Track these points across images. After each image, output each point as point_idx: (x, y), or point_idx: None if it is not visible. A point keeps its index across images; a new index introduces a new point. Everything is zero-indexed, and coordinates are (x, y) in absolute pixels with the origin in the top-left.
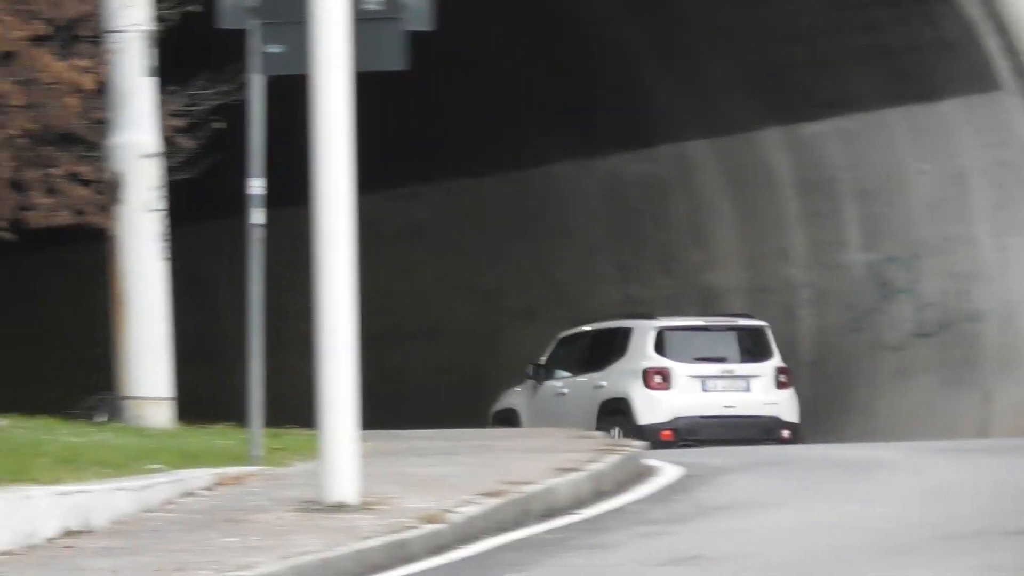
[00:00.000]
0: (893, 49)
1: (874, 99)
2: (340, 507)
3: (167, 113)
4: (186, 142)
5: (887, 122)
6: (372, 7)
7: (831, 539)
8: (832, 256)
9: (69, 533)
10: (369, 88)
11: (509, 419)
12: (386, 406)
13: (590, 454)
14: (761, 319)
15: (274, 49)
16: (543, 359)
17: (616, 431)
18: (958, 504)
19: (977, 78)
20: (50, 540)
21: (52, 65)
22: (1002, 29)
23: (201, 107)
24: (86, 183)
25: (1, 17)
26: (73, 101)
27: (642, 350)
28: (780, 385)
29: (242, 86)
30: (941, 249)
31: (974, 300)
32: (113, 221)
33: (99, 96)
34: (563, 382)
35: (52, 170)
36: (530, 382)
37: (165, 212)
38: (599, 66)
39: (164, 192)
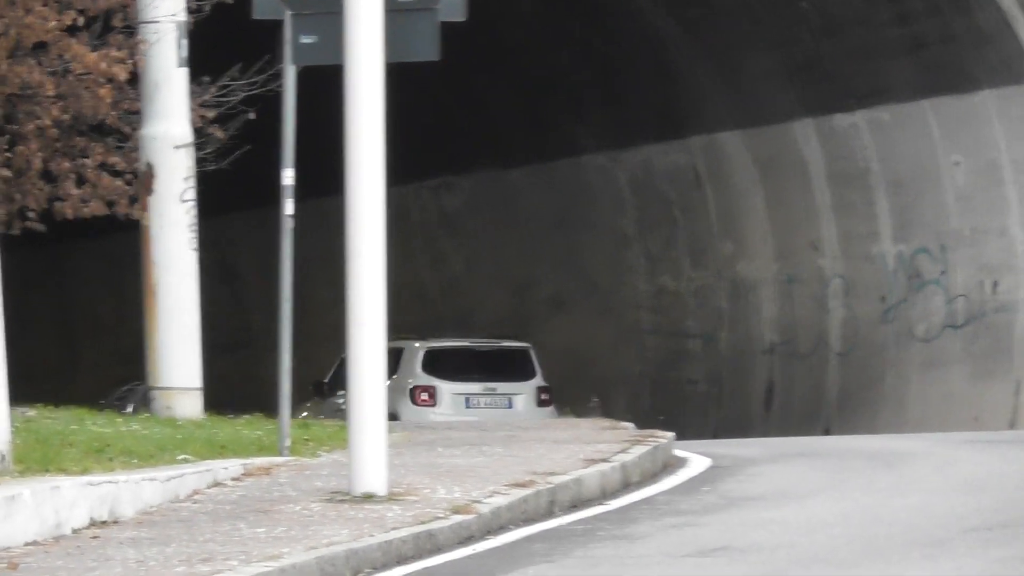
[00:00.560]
0: (926, 40)
1: (907, 90)
2: (368, 498)
3: (199, 104)
4: (218, 133)
5: (920, 113)
6: None
7: (859, 530)
8: (863, 247)
9: (97, 523)
10: (401, 79)
11: None
12: None
13: (619, 445)
14: (525, 341)
15: (307, 39)
16: (327, 378)
17: None
18: (986, 496)
19: (1010, 69)
20: (78, 531)
21: (85, 56)
22: None
23: (233, 98)
24: (117, 174)
25: (34, 7)
26: (105, 92)
27: (411, 369)
28: (541, 403)
29: (275, 77)
30: (972, 240)
31: (1004, 292)
32: (144, 212)
33: (131, 87)
34: (343, 399)
35: (83, 161)
36: (315, 399)
37: (196, 203)
38: (631, 56)
39: (195, 183)
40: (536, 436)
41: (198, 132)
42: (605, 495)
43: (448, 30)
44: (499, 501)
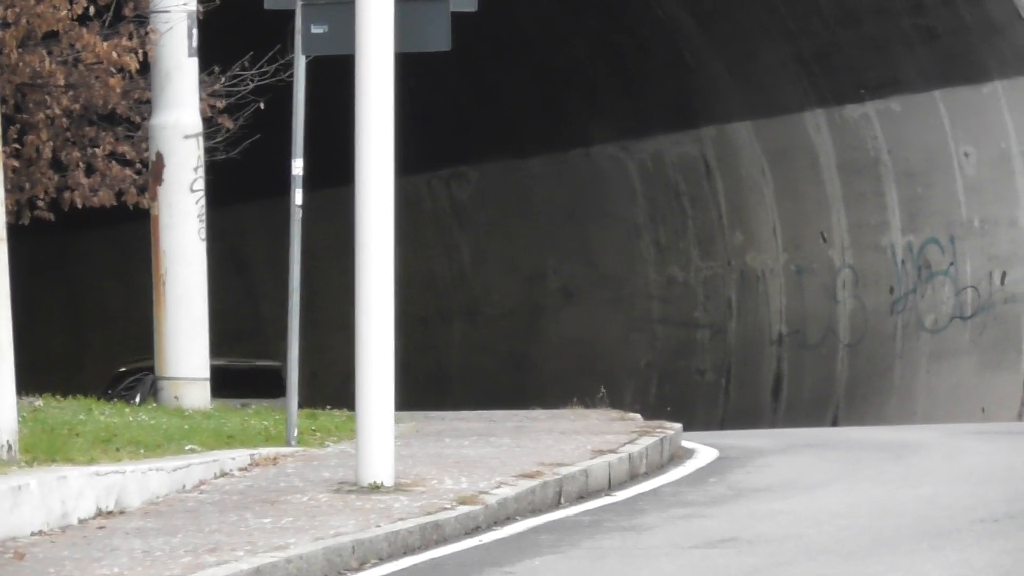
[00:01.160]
0: (938, 31)
1: (918, 81)
2: (375, 488)
3: (209, 93)
4: (228, 123)
5: (931, 104)
6: None
7: (867, 521)
8: (873, 238)
9: (103, 514)
10: (413, 68)
11: None
12: (427, 387)
13: (626, 436)
14: (277, 360)
15: (318, 29)
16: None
17: None
18: (994, 487)
19: (1021, 60)
20: (84, 521)
21: (96, 45)
22: None
23: (243, 88)
24: (127, 163)
25: None
26: (116, 81)
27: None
28: None
29: (285, 67)
30: (981, 231)
31: (1013, 283)
32: (153, 201)
33: (142, 76)
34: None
35: (93, 150)
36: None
37: (205, 192)
38: (644, 46)
39: (205, 172)
40: (544, 427)
41: (208, 122)
42: (612, 486)
43: (460, 20)
44: (506, 492)
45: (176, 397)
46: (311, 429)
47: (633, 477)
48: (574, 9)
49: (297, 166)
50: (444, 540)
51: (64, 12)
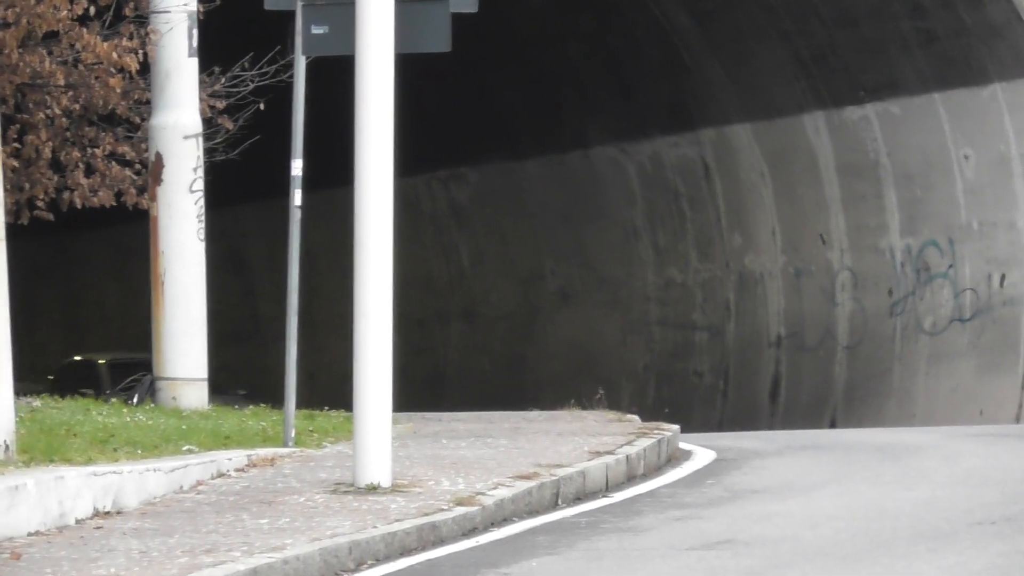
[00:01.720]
0: (938, 34)
1: (917, 83)
2: (372, 489)
3: (209, 94)
4: (227, 123)
5: (930, 107)
6: None
7: (864, 524)
8: (871, 240)
9: (101, 514)
10: (412, 70)
11: None
12: (425, 388)
13: (624, 437)
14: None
15: (318, 30)
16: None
17: None
18: (991, 489)
19: (1020, 63)
20: (81, 521)
21: (96, 45)
22: None
23: (243, 88)
24: (127, 163)
25: None
26: (116, 81)
27: None
28: None
29: (285, 67)
30: (980, 234)
31: (1012, 285)
32: (153, 202)
33: (142, 76)
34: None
35: (93, 150)
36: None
37: (205, 193)
38: (642, 48)
39: (204, 173)
40: (541, 428)
41: (208, 122)
42: (610, 487)
43: (460, 22)
44: (503, 493)
45: (174, 397)
46: (308, 430)
47: (630, 479)
48: (569, 11)
49: (296, 167)
50: (441, 541)
51: (64, 12)
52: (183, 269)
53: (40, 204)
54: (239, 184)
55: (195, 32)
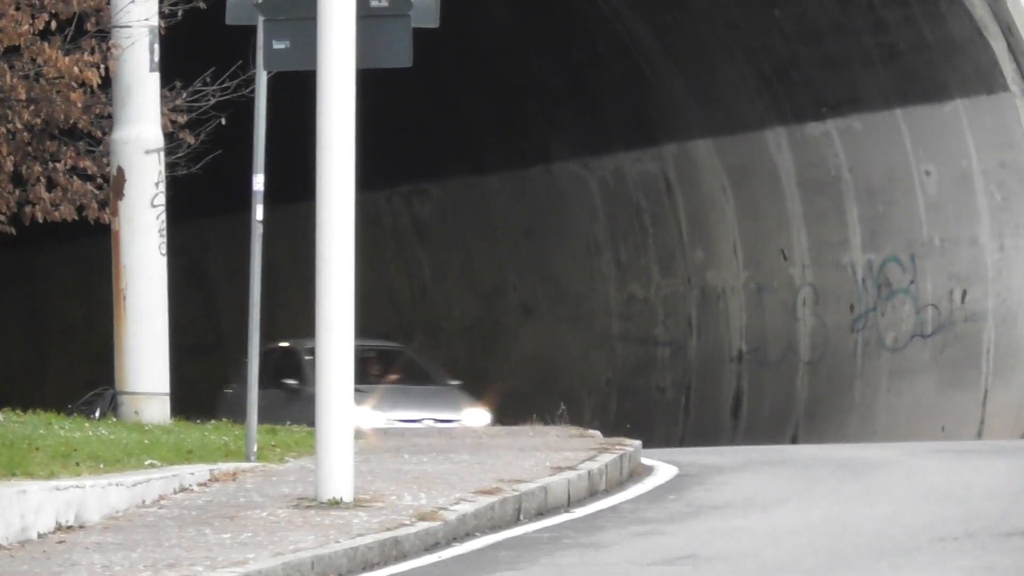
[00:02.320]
0: (900, 49)
1: (879, 99)
2: (334, 504)
3: (171, 108)
4: (189, 138)
5: (892, 122)
6: (378, 4)
7: (825, 539)
8: (833, 256)
9: (63, 528)
10: (374, 84)
11: None
12: None
13: (586, 453)
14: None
15: (280, 45)
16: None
17: None
18: (953, 505)
19: (983, 79)
20: (44, 535)
21: (57, 60)
22: (1009, 31)
23: (205, 103)
24: (88, 178)
25: (7, 11)
26: (77, 96)
27: None
28: None
29: (247, 82)
30: (942, 250)
31: (973, 301)
32: (114, 216)
33: (103, 91)
34: None
35: (54, 164)
36: None
37: (166, 207)
38: (604, 63)
39: (166, 188)
40: (503, 443)
41: (169, 137)
42: (572, 503)
43: (422, 36)
44: (465, 508)
45: (136, 412)
46: (271, 444)
47: (592, 494)
48: (532, 25)
49: (258, 181)
50: (403, 556)
51: (26, 27)
52: (145, 283)
53: (1, 218)
54: (201, 198)
55: (156, 47)
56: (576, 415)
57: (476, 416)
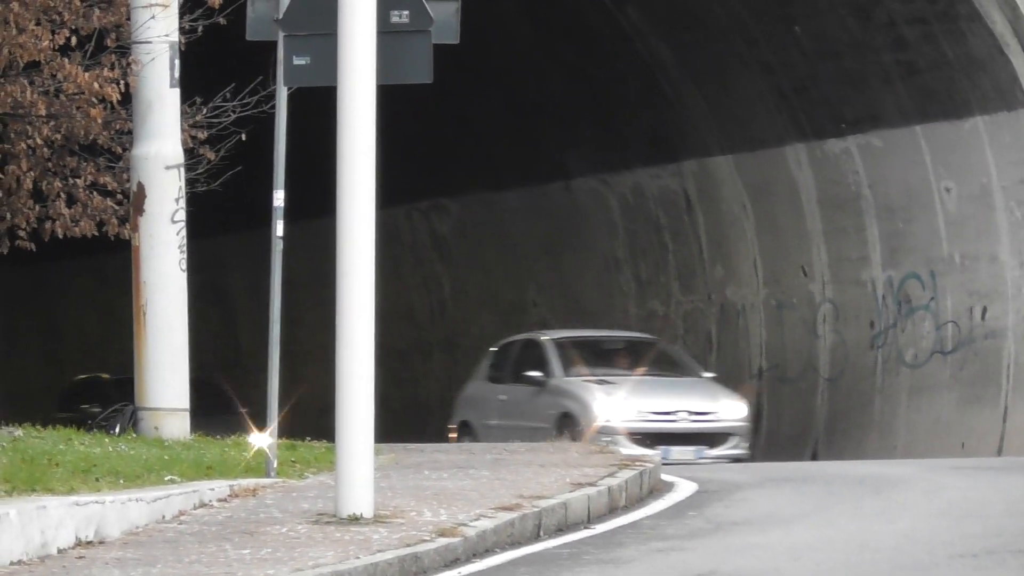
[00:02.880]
0: (919, 66)
1: (899, 116)
2: (354, 520)
3: (191, 124)
4: (209, 154)
5: (912, 139)
6: (399, 20)
7: (845, 556)
8: (853, 273)
9: (83, 543)
10: (394, 101)
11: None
12: (407, 419)
13: (606, 469)
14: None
15: (300, 61)
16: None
17: None
18: (972, 522)
19: (1002, 96)
20: (63, 550)
21: (77, 75)
22: None
23: (225, 119)
24: (108, 194)
25: (27, 27)
26: (97, 112)
27: None
28: None
29: (267, 98)
30: (962, 267)
31: (993, 318)
32: (134, 232)
33: (123, 107)
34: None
35: (74, 180)
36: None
37: (186, 223)
38: (624, 80)
39: (186, 204)
40: (523, 459)
41: (189, 153)
42: (592, 519)
43: (441, 53)
44: (485, 524)
45: (156, 427)
46: (290, 460)
47: (612, 510)
48: (551, 42)
49: (278, 198)
50: (423, 572)
51: (46, 42)
52: (165, 299)
53: (21, 234)
54: (221, 215)
55: (177, 62)
56: None
57: (733, 408)
